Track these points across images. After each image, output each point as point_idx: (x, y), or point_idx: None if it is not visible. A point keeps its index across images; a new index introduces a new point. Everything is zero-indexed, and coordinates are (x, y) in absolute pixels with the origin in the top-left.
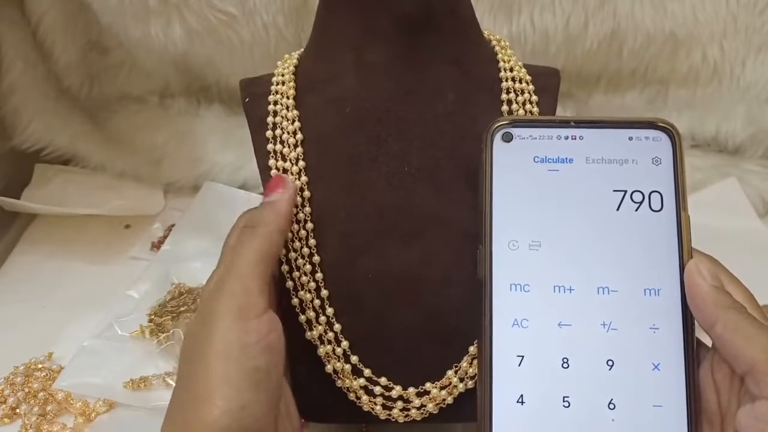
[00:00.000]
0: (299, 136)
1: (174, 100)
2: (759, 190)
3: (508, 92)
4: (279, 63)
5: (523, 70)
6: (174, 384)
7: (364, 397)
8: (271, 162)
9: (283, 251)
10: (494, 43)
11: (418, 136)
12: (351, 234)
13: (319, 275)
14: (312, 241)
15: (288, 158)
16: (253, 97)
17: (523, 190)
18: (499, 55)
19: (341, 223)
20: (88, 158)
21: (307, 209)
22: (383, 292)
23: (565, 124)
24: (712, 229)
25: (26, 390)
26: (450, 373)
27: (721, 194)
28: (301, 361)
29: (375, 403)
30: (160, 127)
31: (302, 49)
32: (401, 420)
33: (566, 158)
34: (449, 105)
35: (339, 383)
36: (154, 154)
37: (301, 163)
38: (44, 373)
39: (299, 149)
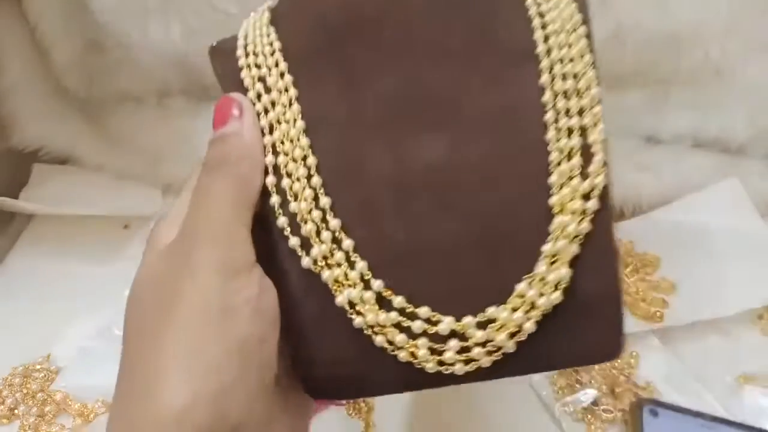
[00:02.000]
0: (278, 55)
1: (173, 100)
2: (761, 190)
3: None
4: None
5: None
6: None
7: (399, 338)
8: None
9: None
10: None
11: (421, 25)
12: (353, 126)
13: (316, 180)
14: (304, 141)
15: (265, 65)
16: (221, 48)
17: None
18: None
19: (339, 119)
20: (87, 158)
21: (295, 107)
22: (404, 194)
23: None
24: (713, 229)
25: (24, 391)
26: (521, 286)
27: (723, 194)
28: (299, 314)
29: (417, 347)
30: (160, 127)
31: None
32: (461, 371)
33: None
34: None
35: (358, 321)
36: (153, 153)
37: (282, 65)
38: (42, 374)
39: (282, 64)
